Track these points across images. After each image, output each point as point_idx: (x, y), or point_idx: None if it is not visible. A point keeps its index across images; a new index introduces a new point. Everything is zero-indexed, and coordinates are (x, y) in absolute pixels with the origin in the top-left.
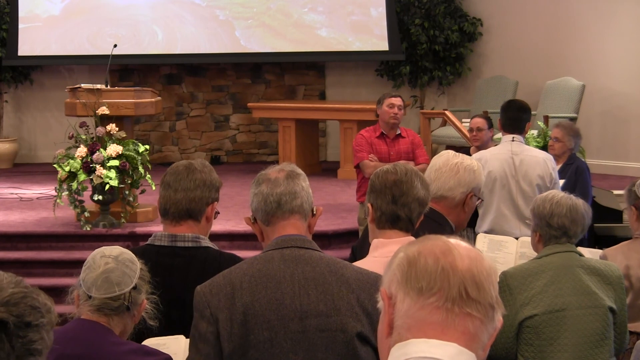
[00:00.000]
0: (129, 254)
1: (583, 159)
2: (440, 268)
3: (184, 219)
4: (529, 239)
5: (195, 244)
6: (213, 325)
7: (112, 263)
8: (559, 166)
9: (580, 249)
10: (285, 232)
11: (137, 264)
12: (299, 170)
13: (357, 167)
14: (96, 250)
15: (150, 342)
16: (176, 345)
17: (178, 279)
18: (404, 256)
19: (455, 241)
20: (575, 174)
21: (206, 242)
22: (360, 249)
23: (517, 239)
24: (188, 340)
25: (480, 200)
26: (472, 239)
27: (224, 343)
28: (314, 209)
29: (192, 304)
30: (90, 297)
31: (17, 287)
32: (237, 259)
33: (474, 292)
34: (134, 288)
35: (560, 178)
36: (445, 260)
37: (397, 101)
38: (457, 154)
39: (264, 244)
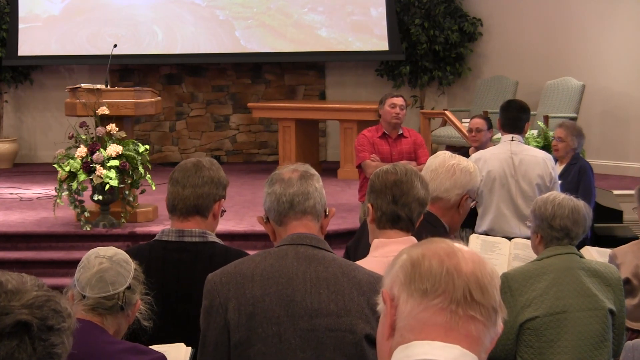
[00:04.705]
0: (123, 254)
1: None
2: (445, 270)
3: (192, 215)
4: (522, 240)
5: (202, 239)
6: (221, 315)
7: (106, 263)
8: (563, 166)
9: (589, 249)
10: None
11: (132, 265)
12: (313, 171)
13: (359, 167)
14: (91, 250)
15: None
16: (177, 353)
17: (185, 274)
18: (407, 258)
19: (458, 245)
20: (578, 174)
21: (213, 238)
22: (355, 249)
23: (511, 239)
24: (189, 348)
25: (474, 201)
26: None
27: (231, 332)
28: (327, 210)
29: (199, 299)
30: (84, 296)
31: (41, 291)
32: (244, 255)
33: (479, 295)
34: (128, 288)
35: (564, 178)
36: (449, 263)
37: (399, 101)
38: (454, 155)
39: (275, 244)
